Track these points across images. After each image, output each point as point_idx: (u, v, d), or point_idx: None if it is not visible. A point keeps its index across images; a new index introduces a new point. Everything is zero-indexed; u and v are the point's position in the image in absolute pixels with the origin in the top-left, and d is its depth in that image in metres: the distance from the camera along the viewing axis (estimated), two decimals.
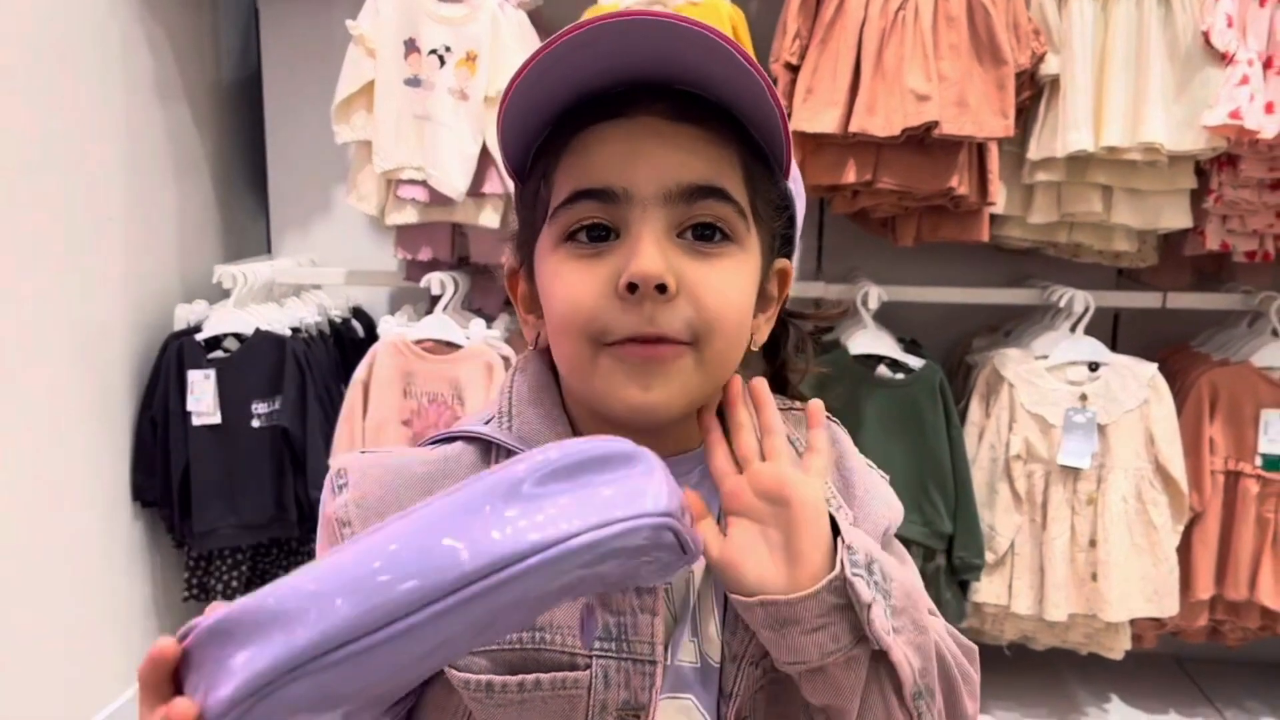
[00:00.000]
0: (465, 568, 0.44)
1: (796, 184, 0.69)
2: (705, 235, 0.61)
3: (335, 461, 0.66)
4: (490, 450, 0.66)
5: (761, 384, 0.67)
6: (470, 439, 0.68)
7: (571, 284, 0.61)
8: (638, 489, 0.49)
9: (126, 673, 2.11)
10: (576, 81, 0.60)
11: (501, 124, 0.62)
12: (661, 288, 0.59)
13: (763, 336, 0.70)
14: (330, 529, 0.65)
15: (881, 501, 0.74)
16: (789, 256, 0.70)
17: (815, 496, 0.61)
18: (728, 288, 0.62)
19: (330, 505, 0.65)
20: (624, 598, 0.63)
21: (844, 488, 0.72)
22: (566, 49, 0.57)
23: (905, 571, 0.65)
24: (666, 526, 0.49)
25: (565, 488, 0.47)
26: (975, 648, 0.72)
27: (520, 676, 0.61)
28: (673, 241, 0.61)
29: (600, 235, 0.61)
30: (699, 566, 0.66)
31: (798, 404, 0.76)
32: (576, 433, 0.67)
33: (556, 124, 0.63)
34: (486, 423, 0.69)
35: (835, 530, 0.61)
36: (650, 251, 0.59)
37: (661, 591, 0.64)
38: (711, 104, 0.61)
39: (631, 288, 0.59)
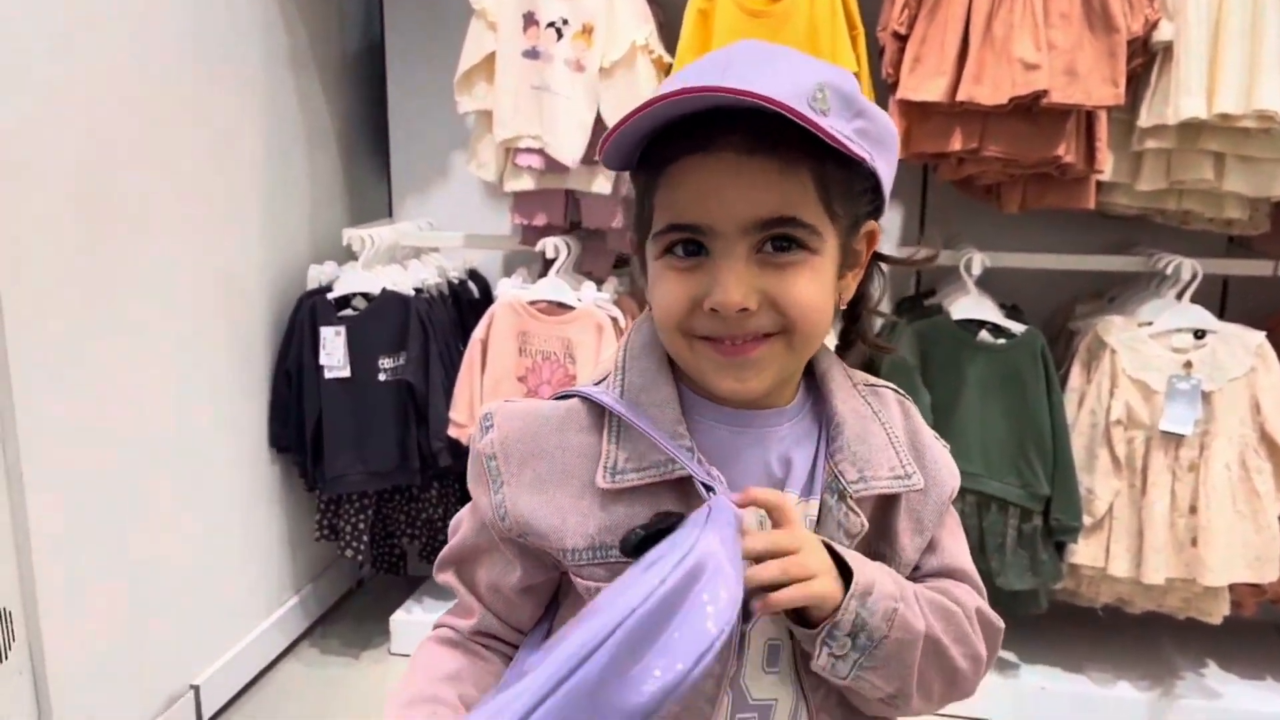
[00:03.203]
0: None
1: (882, 145, 0.72)
2: (782, 247, 0.69)
3: (483, 408, 0.78)
4: (603, 411, 0.76)
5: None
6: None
7: (668, 293, 0.71)
8: (698, 627, 0.59)
9: (266, 604, 2.29)
10: (663, 120, 0.68)
11: (604, 158, 0.72)
12: (742, 310, 0.68)
13: (850, 293, 0.78)
14: (479, 462, 0.77)
15: (947, 471, 0.82)
16: (878, 216, 0.77)
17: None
18: (805, 292, 0.70)
19: (479, 443, 0.77)
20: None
21: (917, 458, 0.79)
22: (656, 109, 0.65)
23: (914, 615, 0.72)
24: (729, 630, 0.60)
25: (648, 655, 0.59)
26: (1001, 628, 0.81)
27: None
28: (752, 259, 0.69)
29: (693, 250, 0.70)
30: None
31: (875, 379, 0.84)
32: (679, 384, 0.76)
33: (652, 143, 0.71)
34: (599, 382, 0.79)
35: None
36: (729, 282, 0.68)
37: None
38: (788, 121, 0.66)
39: (715, 310, 0.69)
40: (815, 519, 0.76)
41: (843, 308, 0.78)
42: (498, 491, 0.75)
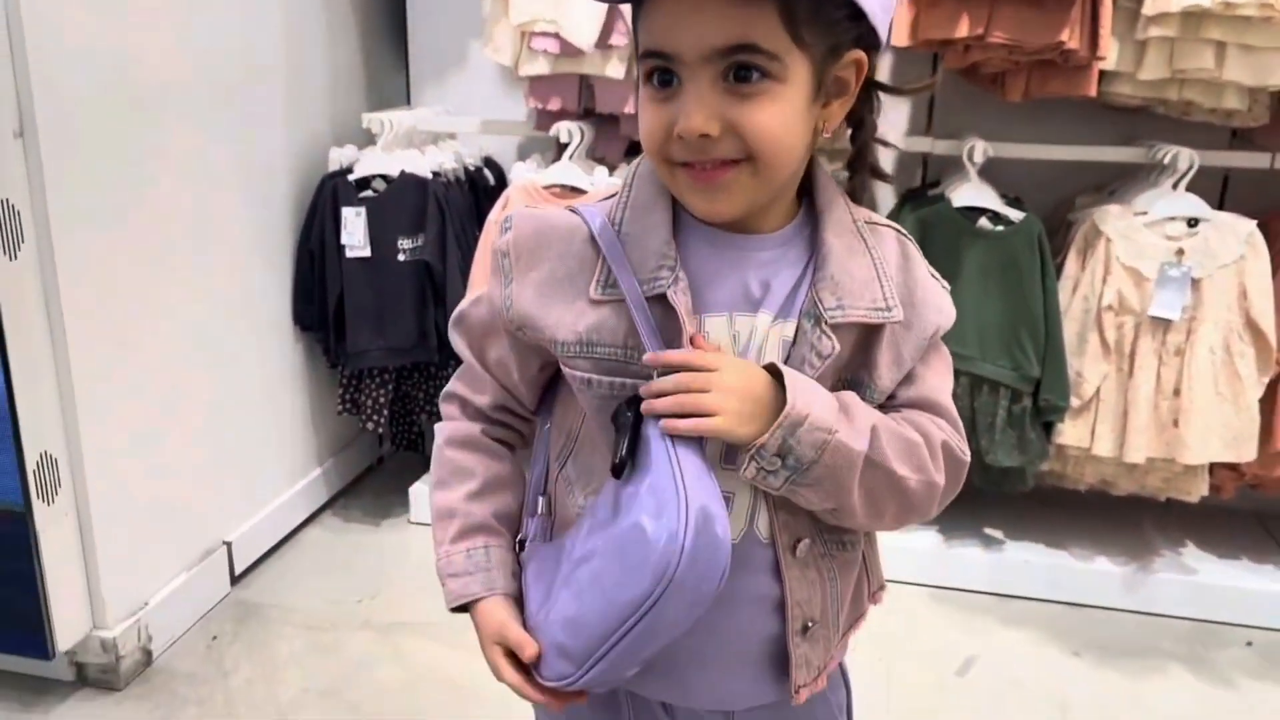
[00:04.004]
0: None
1: None
2: (744, 77, 0.73)
3: (507, 211, 0.85)
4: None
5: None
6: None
7: (647, 121, 0.78)
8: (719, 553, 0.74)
9: (291, 473, 2.42)
10: None
11: None
12: (704, 136, 0.74)
13: (835, 120, 0.81)
14: (495, 256, 0.85)
15: (934, 309, 0.87)
16: (872, 45, 0.79)
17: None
18: (767, 119, 0.74)
19: (498, 241, 0.85)
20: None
21: (907, 295, 0.84)
22: None
23: (855, 441, 0.78)
24: None
25: None
26: (965, 462, 0.87)
27: (612, 378, 0.81)
28: (719, 87, 0.74)
29: (666, 80, 0.76)
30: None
31: (879, 217, 0.88)
32: (675, 205, 0.82)
33: None
34: (609, 197, 0.86)
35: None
36: (692, 109, 0.73)
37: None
38: None
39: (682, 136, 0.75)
40: (791, 339, 0.81)
41: (826, 134, 0.81)
42: (507, 286, 0.84)
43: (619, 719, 0.93)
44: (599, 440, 0.84)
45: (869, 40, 0.78)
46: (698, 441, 0.76)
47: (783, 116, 0.75)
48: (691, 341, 0.78)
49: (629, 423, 0.78)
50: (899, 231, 0.88)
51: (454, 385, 0.94)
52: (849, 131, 0.86)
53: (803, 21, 0.73)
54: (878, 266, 0.83)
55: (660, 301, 0.79)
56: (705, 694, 0.89)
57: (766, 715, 0.91)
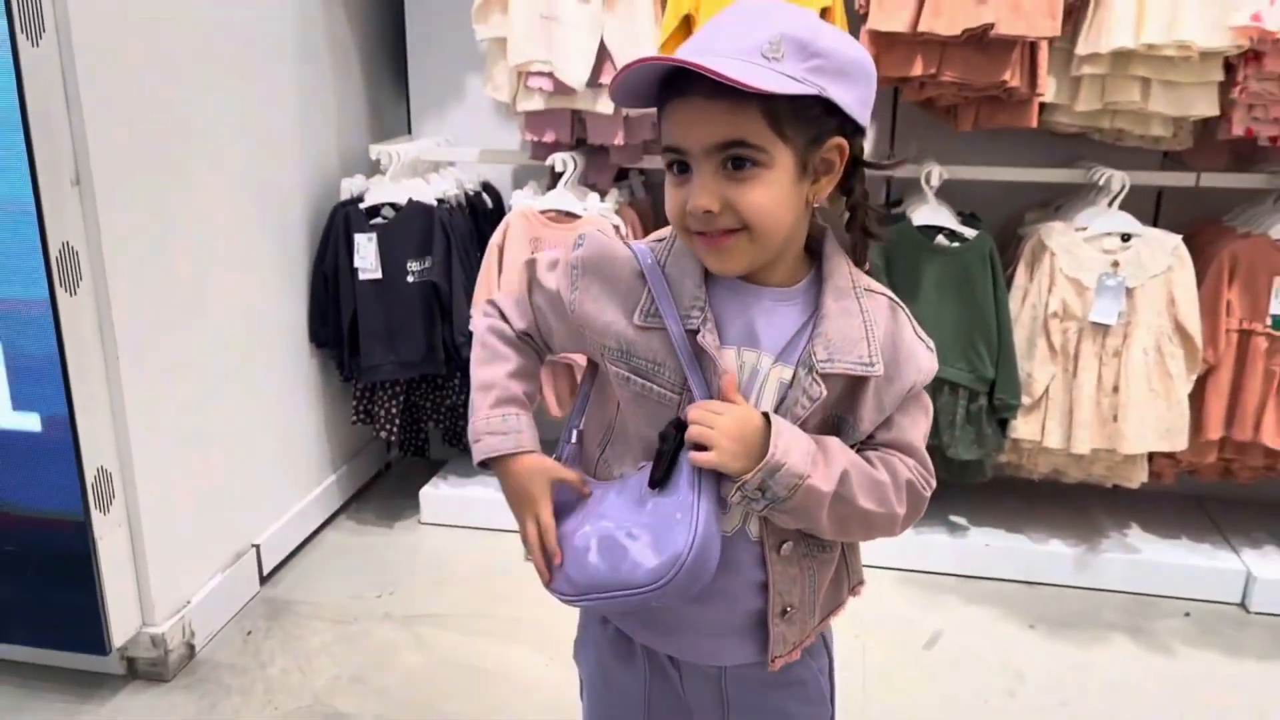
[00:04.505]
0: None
1: (841, 76, 0.90)
2: (739, 165, 0.93)
3: (582, 229, 1.05)
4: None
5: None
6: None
7: (670, 200, 0.97)
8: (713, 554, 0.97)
9: (307, 482, 2.61)
10: (655, 76, 0.93)
11: (613, 98, 0.97)
12: (708, 212, 0.93)
13: (824, 194, 0.99)
14: (566, 266, 1.04)
15: (914, 368, 1.01)
16: (854, 132, 0.96)
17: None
18: (757, 198, 0.92)
19: (571, 255, 1.04)
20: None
21: (891, 353, 0.99)
22: (635, 70, 0.91)
23: (825, 482, 0.95)
24: None
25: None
26: (925, 497, 1.03)
27: (644, 381, 1.00)
28: (720, 174, 0.93)
29: (682, 169, 0.95)
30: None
31: (877, 285, 1.05)
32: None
33: (660, 86, 0.95)
34: (660, 240, 1.04)
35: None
36: (698, 192, 0.91)
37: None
38: None
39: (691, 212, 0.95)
40: (788, 382, 1.00)
41: (815, 204, 0.99)
42: (574, 291, 1.03)
43: (634, 662, 1.14)
44: (630, 432, 1.03)
45: (851, 127, 0.96)
46: (715, 474, 0.96)
47: (771, 195, 0.93)
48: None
49: (672, 444, 0.98)
50: (891, 299, 1.05)
51: (501, 300, 1.12)
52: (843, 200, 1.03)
53: (784, 120, 0.91)
54: (868, 328, 0.98)
55: (692, 334, 0.99)
56: (701, 652, 1.10)
57: (755, 670, 1.11)
